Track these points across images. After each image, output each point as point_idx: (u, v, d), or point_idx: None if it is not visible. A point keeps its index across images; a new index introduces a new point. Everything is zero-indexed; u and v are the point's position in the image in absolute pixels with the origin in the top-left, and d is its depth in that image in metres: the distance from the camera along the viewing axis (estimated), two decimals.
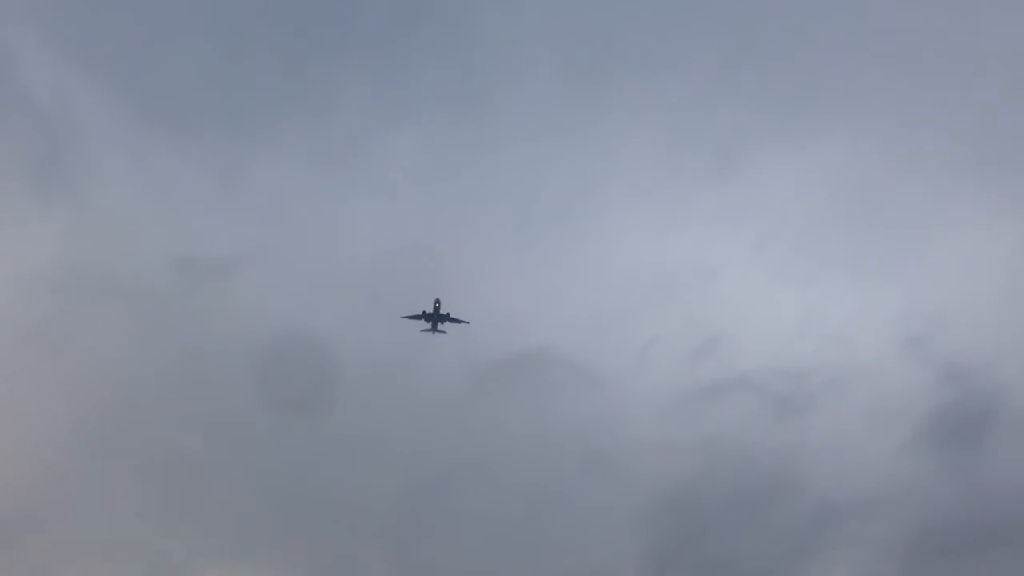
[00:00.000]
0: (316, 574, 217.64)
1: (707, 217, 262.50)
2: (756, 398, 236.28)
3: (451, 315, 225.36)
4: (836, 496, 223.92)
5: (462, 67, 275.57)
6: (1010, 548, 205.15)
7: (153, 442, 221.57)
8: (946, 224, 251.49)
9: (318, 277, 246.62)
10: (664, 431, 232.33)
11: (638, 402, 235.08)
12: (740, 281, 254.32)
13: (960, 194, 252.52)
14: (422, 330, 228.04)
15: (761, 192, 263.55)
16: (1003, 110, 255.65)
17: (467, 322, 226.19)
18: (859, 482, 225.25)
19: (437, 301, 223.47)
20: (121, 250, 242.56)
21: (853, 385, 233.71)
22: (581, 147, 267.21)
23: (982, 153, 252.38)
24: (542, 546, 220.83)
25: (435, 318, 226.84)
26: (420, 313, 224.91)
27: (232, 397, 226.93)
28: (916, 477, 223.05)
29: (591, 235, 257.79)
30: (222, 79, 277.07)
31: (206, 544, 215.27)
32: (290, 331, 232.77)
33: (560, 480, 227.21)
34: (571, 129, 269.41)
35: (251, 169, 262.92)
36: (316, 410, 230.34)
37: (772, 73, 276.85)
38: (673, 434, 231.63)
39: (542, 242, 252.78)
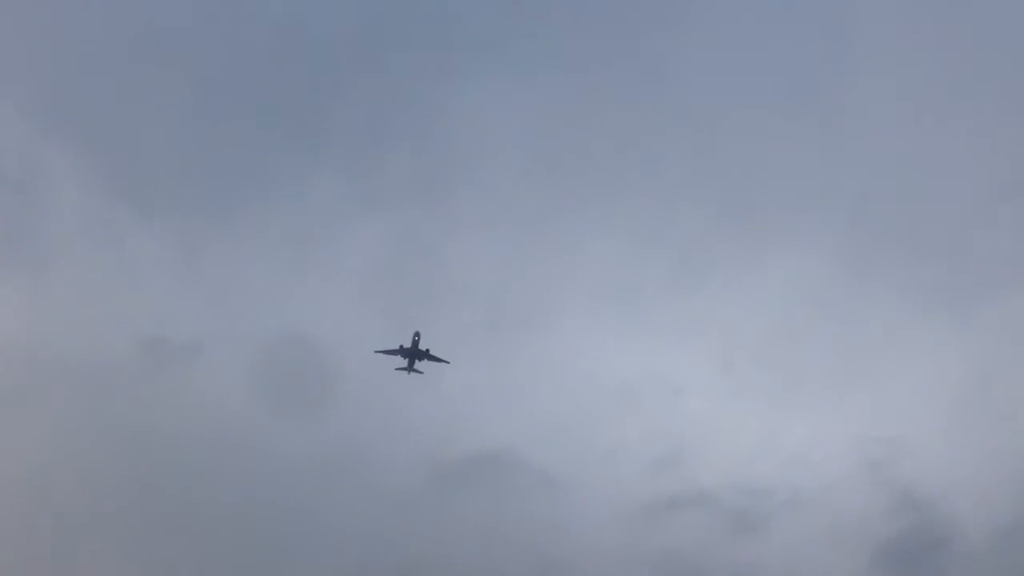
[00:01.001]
0: None
1: (671, 327, 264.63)
2: (715, 513, 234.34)
3: (431, 352, 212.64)
4: None
5: (431, 161, 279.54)
6: None
7: (113, 525, 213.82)
8: (904, 348, 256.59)
9: (280, 362, 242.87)
10: (621, 541, 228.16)
11: (596, 510, 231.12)
12: (702, 395, 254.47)
13: (919, 320, 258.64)
14: (397, 368, 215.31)
15: (724, 305, 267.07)
16: (959, 239, 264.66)
17: (447, 362, 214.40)
18: None
19: (416, 335, 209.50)
20: (84, 328, 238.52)
21: (812, 506, 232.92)
22: (547, 246, 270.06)
23: (941, 279, 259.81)
24: None
25: (413, 354, 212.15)
26: (397, 348, 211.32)
27: (193, 482, 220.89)
28: None
29: (555, 336, 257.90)
30: (193, 160, 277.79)
31: None
32: (248, 417, 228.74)
33: None
34: (537, 228, 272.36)
35: (218, 251, 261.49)
36: (271, 499, 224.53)
37: (737, 183, 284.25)
38: (630, 544, 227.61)
39: (506, 340, 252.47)
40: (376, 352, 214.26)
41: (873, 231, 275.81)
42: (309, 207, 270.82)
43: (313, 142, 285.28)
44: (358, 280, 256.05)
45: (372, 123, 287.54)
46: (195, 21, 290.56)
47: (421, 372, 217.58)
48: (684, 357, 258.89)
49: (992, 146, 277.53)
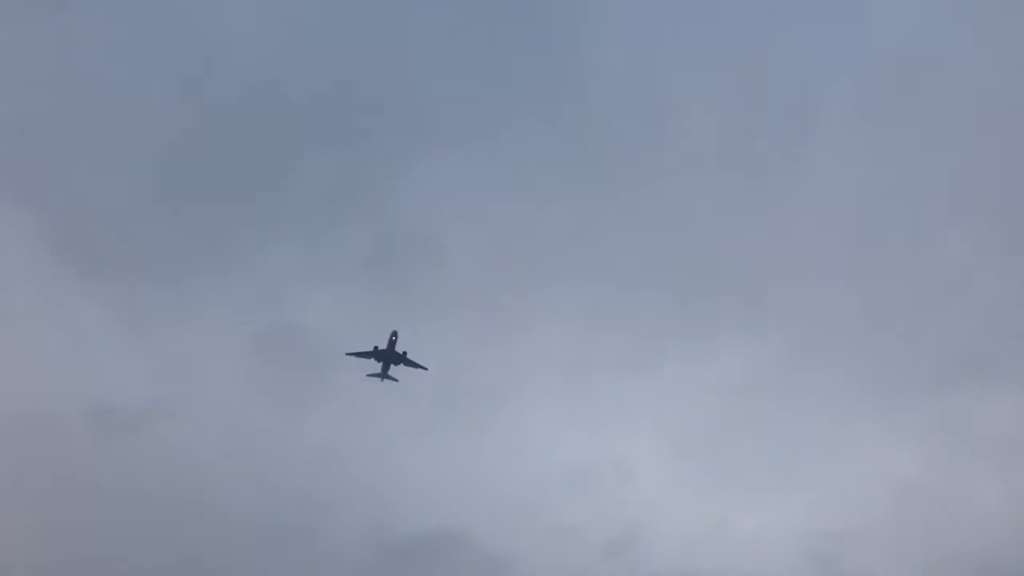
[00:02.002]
0: None
1: (623, 411, 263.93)
2: None
3: (408, 355, 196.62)
4: None
5: (388, 238, 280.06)
6: None
7: None
8: (852, 441, 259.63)
9: (229, 434, 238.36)
10: None
11: None
12: (653, 479, 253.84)
13: (868, 414, 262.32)
14: (368, 375, 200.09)
15: (675, 391, 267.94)
16: (909, 335, 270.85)
17: (425, 368, 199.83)
18: None
19: (394, 335, 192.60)
20: (25, 393, 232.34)
21: None
22: (501, 327, 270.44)
23: (890, 374, 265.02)
24: None
25: (388, 358, 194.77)
26: (371, 350, 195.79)
27: (138, 553, 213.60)
28: None
29: (508, 417, 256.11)
30: (145, 224, 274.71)
31: None
32: (196, 488, 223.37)
33: None
34: (492, 309, 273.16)
35: (167, 321, 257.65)
36: (220, 562, 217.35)
37: (691, 272, 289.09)
38: None
39: (459, 418, 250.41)
40: (348, 355, 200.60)
41: (824, 325, 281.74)
42: (262, 279, 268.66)
43: (271, 213, 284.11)
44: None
45: (332, 197, 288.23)
46: (150, 83, 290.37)
47: (396, 380, 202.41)
48: (635, 441, 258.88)
49: (940, 243, 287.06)
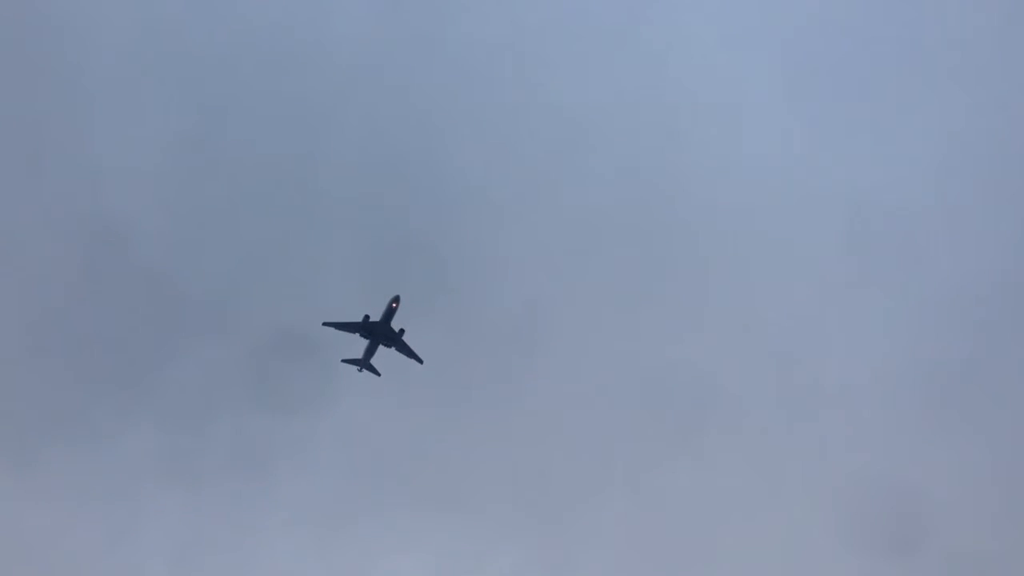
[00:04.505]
0: None
1: None
2: None
3: (403, 335, 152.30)
4: None
5: (254, 437, 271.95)
6: None
7: None
8: None
9: None
10: None
11: None
12: None
13: None
14: (345, 360, 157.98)
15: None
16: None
17: (421, 361, 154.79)
18: None
19: (395, 301, 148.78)
20: None
21: None
22: (351, 549, 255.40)
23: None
24: None
25: (379, 334, 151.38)
26: (361, 320, 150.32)
27: None
28: None
29: None
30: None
31: None
32: None
33: None
34: (345, 529, 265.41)
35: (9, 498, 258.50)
36: None
37: (557, 528, 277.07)
38: None
39: None
40: (326, 324, 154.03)
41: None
42: (118, 463, 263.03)
43: (136, 394, 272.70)
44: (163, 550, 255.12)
45: (203, 387, 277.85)
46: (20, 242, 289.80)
47: (378, 374, 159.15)
48: None
49: None
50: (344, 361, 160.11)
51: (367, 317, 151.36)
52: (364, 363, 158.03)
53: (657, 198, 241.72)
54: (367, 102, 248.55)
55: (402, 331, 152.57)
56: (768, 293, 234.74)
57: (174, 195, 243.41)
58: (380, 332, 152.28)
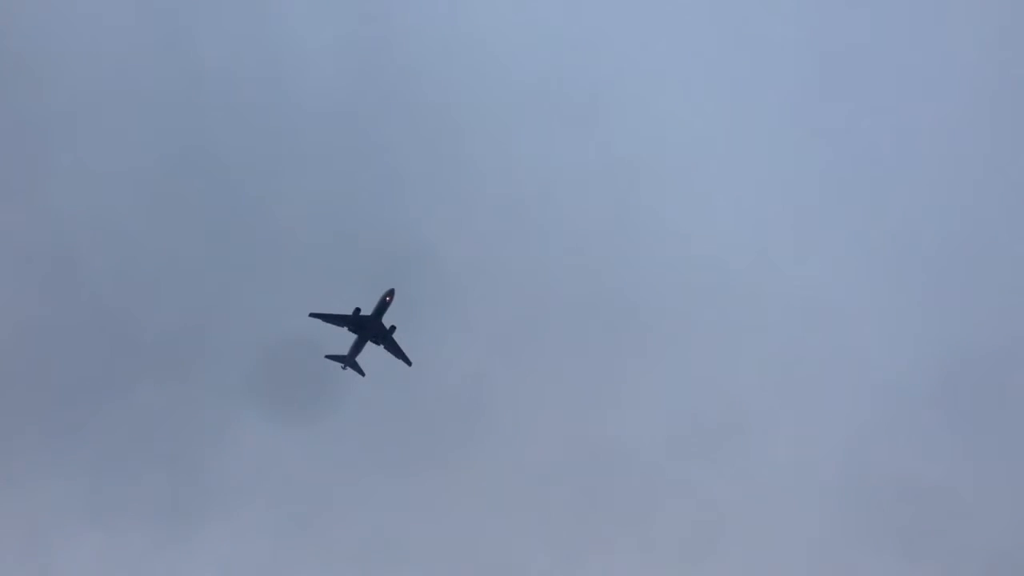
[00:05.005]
0: None
1: None
2: None
3: (394, 332, 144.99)
4: None
5: (185, 486, 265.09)
6: None
7: None
8: None
9: None
10: None
11: None
12: None
13: None
14: (328, 356, 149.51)
15: None
16: None
17: (410, 363, 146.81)
18: None
19: (389, 295, 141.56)
20: None
21: None
22: None
23: None
24: None
25: (369, 330, 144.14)
26: (351, 314, 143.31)
27: None
28: None
29: None
30: None
31: None
32: None
33: None
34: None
35: None
36: None
37: None
38: None
39: None
40: (312, 315, 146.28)
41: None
42: (38, 507, 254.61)
43: (63, 436, 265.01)
44: None
45: (133, 432, 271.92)
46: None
47: (363, 374, 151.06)
48: None
49: None
50: (328, 357, 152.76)
51: (358, 310, 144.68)
52: (349, 361, 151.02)
53: (609, 275, 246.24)
54: (324, 155, 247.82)
55: (393, 328, 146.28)
56: (714, 376, 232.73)
57: (129, 228, 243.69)
58: (370, 328, 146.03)
